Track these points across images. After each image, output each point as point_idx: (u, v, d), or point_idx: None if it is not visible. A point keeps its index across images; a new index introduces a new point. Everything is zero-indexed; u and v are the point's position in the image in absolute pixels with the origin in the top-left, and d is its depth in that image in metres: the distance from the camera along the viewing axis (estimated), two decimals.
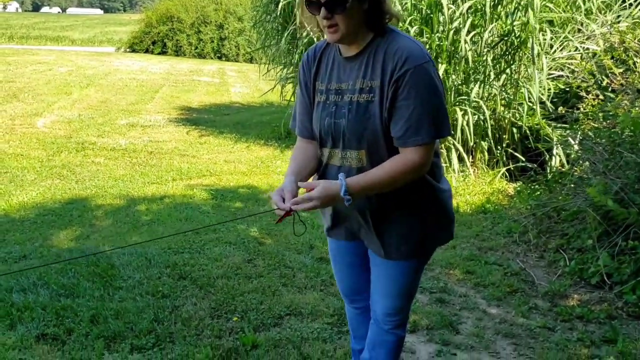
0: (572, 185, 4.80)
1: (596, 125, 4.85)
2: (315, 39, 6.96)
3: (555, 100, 6.13)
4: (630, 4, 6.29)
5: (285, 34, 7.59)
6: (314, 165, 1.95)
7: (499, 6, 6.04)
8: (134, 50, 25.78)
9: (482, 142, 6.15)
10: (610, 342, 2.91)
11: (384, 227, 1.91)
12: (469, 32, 5.85)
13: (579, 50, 5.98)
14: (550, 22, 6.33)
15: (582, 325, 3.13)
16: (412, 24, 6.02)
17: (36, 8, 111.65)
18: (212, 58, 24.76)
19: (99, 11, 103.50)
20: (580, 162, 4.96)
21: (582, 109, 5.24)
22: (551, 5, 6.20)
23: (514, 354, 2.83)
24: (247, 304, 3.26)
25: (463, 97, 6.04)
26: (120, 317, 3.06)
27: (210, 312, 3.17)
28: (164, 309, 3.17)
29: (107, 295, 3.33)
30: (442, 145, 5.92)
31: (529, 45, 5.73)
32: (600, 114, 4.70)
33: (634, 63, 5.00)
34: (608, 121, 4.50)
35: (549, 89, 5.94)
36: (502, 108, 6.20)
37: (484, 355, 2.80)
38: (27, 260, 3.90)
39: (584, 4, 6.16)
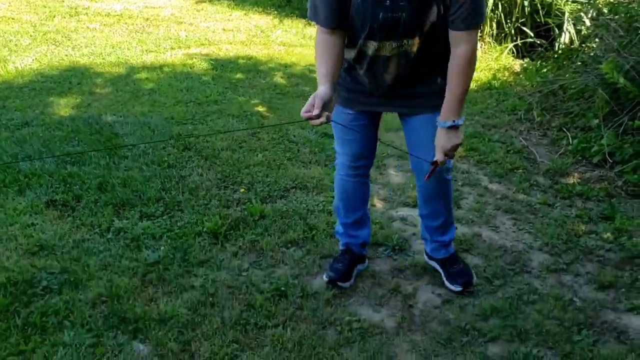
0: (581, 63, 4.69)
1: (612, 0, 4.64)
2: None
3: None
4: None
5: None
6: (341, 61, 1.98)
7: None
8: None
9: (492, 14, 5.92)
10: (608, 219, 2.98)
11: (415, 90, 2.06)
12: None
13: None
14: None
15: (581, 202, 3.19)
16: None
17: None
18: None
19: None
20: (592, 39, 4.81)
21: None
22: None
23: (513, 229, 2.90)
24: (253, 177, 3.28)
25: None
26: (128, 185, 3.09)
27: (216, 182, 3.20)
28: (170, 178, 3.20)
29: (113, 164, 3.35)
30: None
31: None
32: None
33: None
34: None
35: None
36: None
37: (484, 229, 2.88)
38: (30, 128, 3.87)
39: None
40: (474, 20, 1.86)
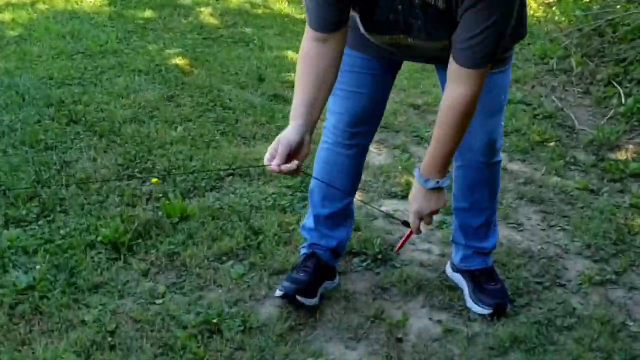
0: None
1: None
2: None
3: None
4: None
5: None
6: (331, 85, 2.00)
7: None
8: None
9: None
10: None
11: None
12: None
13: None
14: None
15: (637, 186, 3.27)
16: None
17: None
18: None
19: None
20: None
21: None
22: None
23: (541, 225, 2.97)
24: (170, 160, 3.28)
25: None
26: None
27: (116, 170, 3.18)
28: (49, 165, 3.17)
29: None
30: None
31: None
32: None
33: None
34: None
35: None
36: None
37: (501, 227, 2.92)
38: None
39: None
40: (491, 56, 1.86)
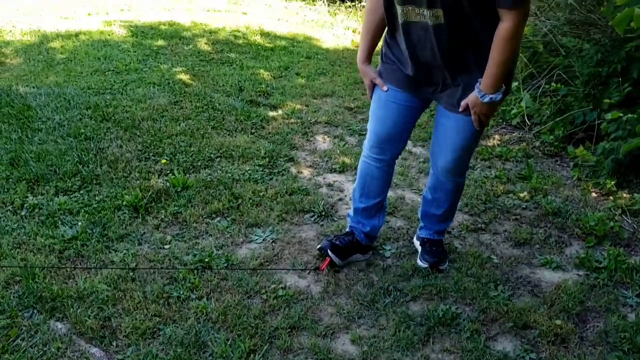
0: None
1: None
2: None
3: None
4: None
5: None
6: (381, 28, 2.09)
7: None
8: None
9: None
10: (525, 179, 3.12)
11: (464, 80, 1.97)
12: None
13: None
14: None
15: (500, 163, 3.32)
16: None
17: None
18: None
19: None
20: None
21: None
22: None
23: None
24: (175, 147, 3.22)
25: None
26: (42, 159, 2.97)
27: (137, 154, 3.12)
28: (88, 151, 3.09)
29: (26, 138, 3.20)
30: None
31: None
32: None
33: None
34: None
35: None
36: None
37: (407, 192, 2.95)
38: None
39: None
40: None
